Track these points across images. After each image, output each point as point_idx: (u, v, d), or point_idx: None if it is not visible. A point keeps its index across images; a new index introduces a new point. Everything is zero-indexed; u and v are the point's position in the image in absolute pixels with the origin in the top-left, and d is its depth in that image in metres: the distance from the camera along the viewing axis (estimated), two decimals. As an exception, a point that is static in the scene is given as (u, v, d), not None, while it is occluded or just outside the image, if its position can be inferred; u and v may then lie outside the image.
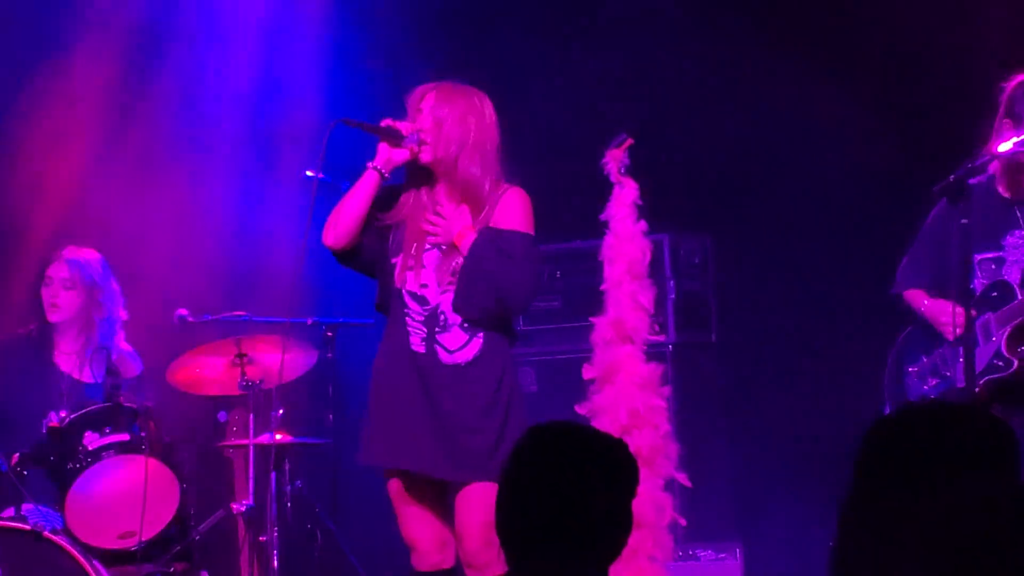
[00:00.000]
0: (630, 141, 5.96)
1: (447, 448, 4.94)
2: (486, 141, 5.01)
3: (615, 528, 2.75)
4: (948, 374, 5.24)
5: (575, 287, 7.23)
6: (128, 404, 5.90)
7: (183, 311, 6.39)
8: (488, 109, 5.05)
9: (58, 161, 7.35)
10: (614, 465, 2.76)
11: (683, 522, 6.19)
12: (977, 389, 4.92)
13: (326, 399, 6.79)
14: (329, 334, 6.75)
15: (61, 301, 6.23)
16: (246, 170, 7.67)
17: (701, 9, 7.52)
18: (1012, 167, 5.21)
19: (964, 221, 4.82)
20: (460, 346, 4.98)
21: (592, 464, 2.73)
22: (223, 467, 6.83)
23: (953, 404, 2.41)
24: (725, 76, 7.51)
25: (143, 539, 5.74)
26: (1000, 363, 5.12)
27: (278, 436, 6.34)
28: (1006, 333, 5.11)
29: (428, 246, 5.02)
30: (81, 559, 5.54)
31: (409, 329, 5.01)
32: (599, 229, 6.08)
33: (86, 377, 6.22)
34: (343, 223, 5.03)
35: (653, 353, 6.13)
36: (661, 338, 6.92)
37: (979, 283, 5.19)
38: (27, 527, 5.58)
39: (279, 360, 5.74)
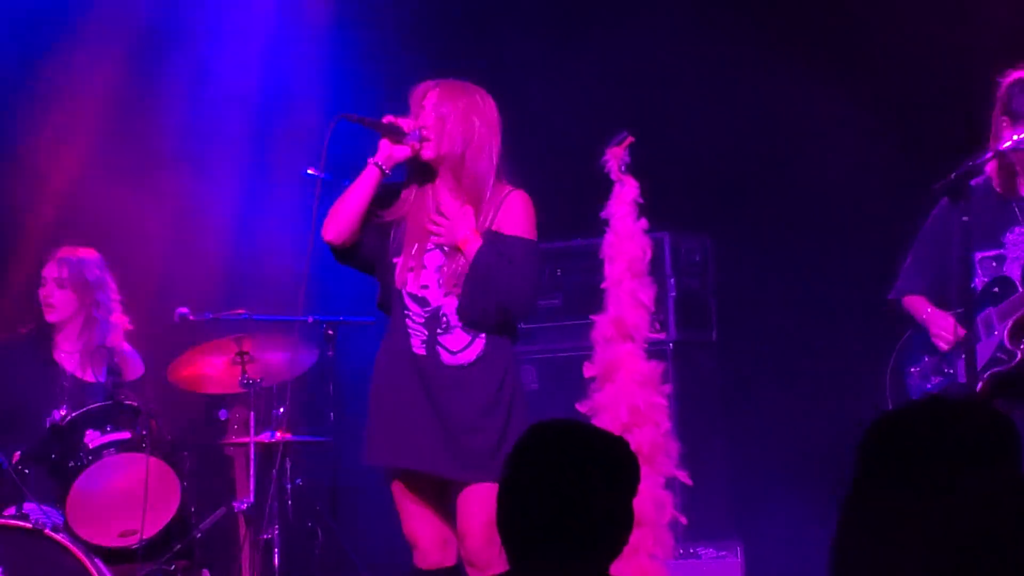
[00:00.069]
0: (630, 139, 5.95)
1: (450, 448, 4.94)
2: (490, 138, 5.01)
3: (616, 526, 2.74)
4: (950, 371, 5.23)
5: (576, 285, 7.23)
6: (129, 402, 5.91)
7: (184, 309, 6.38)
8: (490, 107, 5.04)
9: (59, 160, 7.35)
10: (615, 463, 2.75)
11: (684, 520, 6.19)
12: (980, 384, 4.93)
13: (327, 397, 6.79)
14: (330, 332, 6.75)
15: (55, 300, 6.23)
16: (247, 169, 7.67)
17: (701, 9, 7.52)
18: (1004, 165, 5.22)
19: (965, 219, 4.83)
20: (462, 347, 4.97)
21: (593, 463, 2.72)
22: (224, 465, 6.82)
23: (953, 399, 2.39)
24: (725, 76, 7.51)
25: (144, 537, 5.75)
26: (1003, 356, 5.11)
27: (279, 434, 6.35)
28: (1008, 326, 5.10)
29: (430, 246, 5.01)
30: (82, 557, 5.54)
31: (410, 331, 5.00)
32: (599, 227, 6.08)
33: (88, 376, 6.22)
34: (343, 218, 5.01)
35: (653, 351, 6.14)
36: (661, 336, 6.93)
37: (980, 281, 5.19)
38: (28, 525, 5.59)
39: (280, 358, 5.74)
